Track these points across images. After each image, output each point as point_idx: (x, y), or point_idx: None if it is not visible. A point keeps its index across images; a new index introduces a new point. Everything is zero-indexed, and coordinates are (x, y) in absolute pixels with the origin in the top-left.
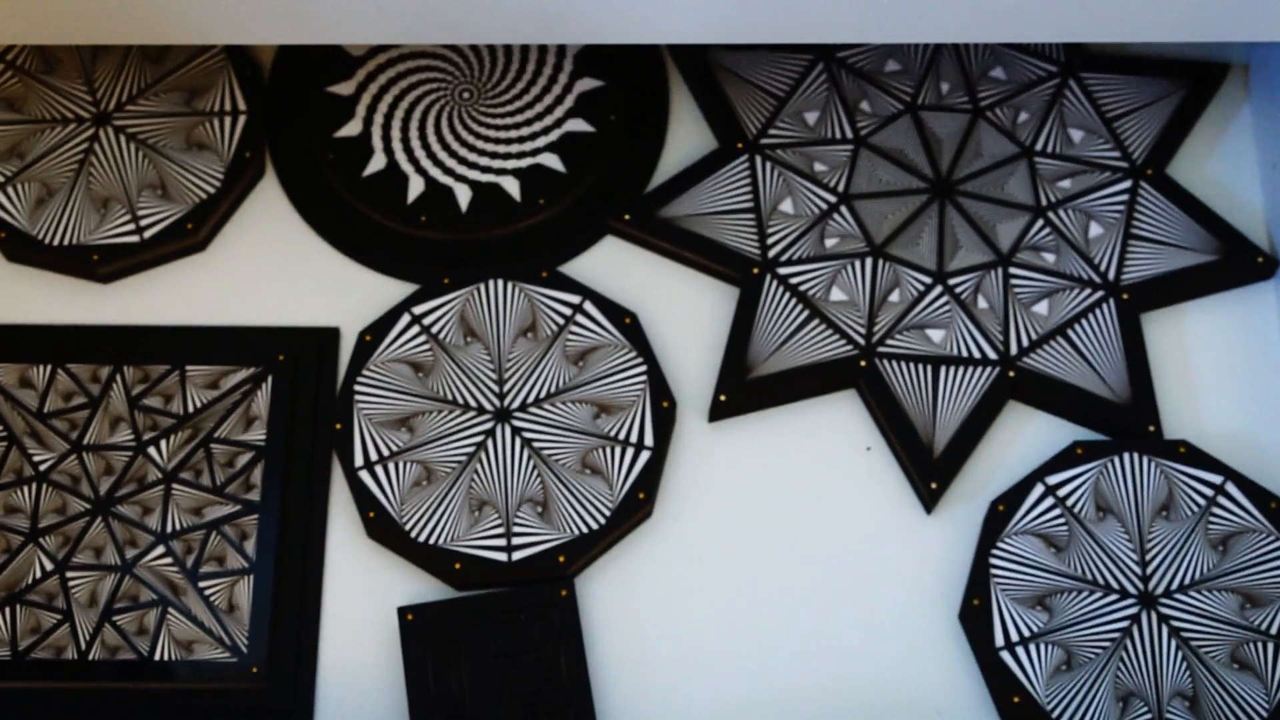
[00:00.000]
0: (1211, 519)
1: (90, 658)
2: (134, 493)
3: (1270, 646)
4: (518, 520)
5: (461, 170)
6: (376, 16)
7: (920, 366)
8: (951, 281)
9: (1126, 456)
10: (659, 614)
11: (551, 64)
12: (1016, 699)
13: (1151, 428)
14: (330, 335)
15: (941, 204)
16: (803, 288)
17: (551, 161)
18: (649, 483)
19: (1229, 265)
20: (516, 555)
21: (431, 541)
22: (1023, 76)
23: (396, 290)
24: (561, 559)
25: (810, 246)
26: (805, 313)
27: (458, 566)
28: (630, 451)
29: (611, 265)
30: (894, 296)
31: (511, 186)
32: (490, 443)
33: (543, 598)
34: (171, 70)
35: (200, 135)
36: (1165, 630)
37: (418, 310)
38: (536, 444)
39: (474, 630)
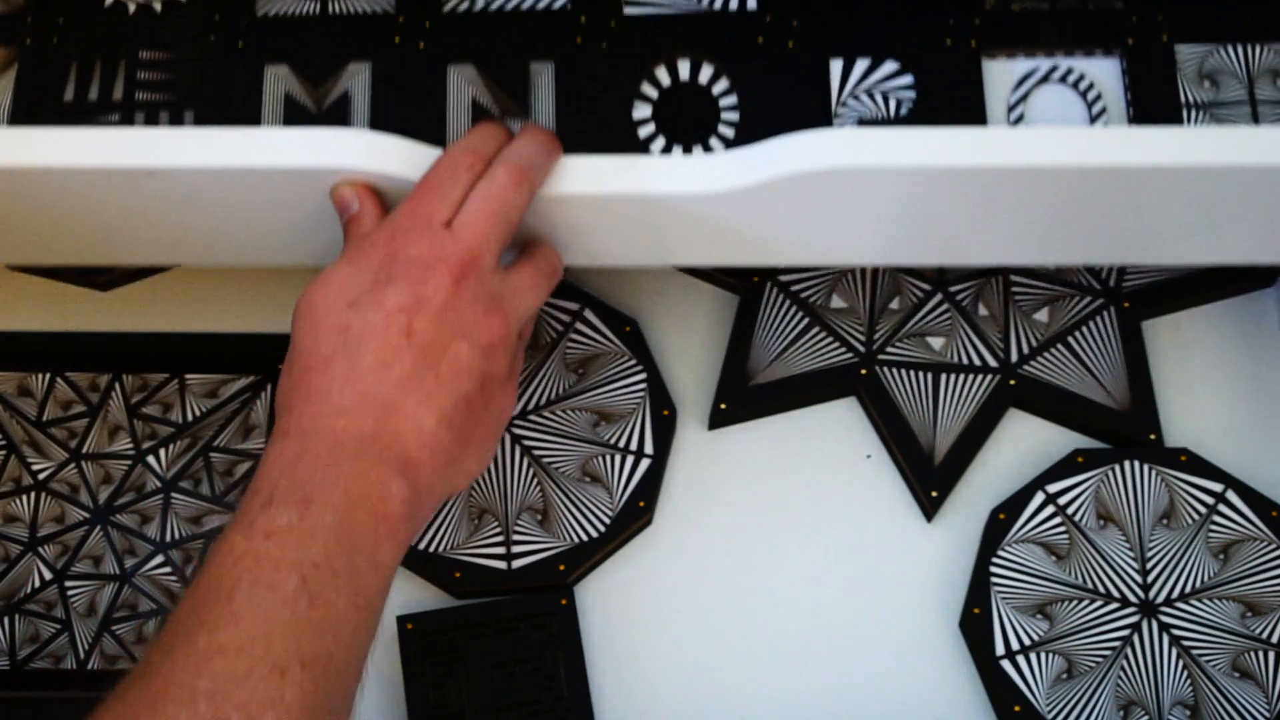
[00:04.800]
0: (1212, 527)
1: (89, 667)
2: (133, 502)
3: (1271, 655)
4: (518, 528)
5: None
6: None
7: (920, 374)
8: (952, 289)
9: (1127, 464)
10: (659, 622)
11: None
12: (1017, 708)
13: (1152, 436)
14: None
15: None
16: (803, 295)
17: None
18: (649, 491)
19: (1229, 273)
20: (516, 564)
21: (431, 550)
22: None
23: None
24: (561, 567)
25: None
26: (805, 320)
27: (458, 575)
28: (630, 459)
29: (611, 272)
30: (894, 304)
31: None
32: None
33: (542, 606)
34: None
35: None
36: (1166, 639)
37: None
38: (536, 451)
39: (474, 639)
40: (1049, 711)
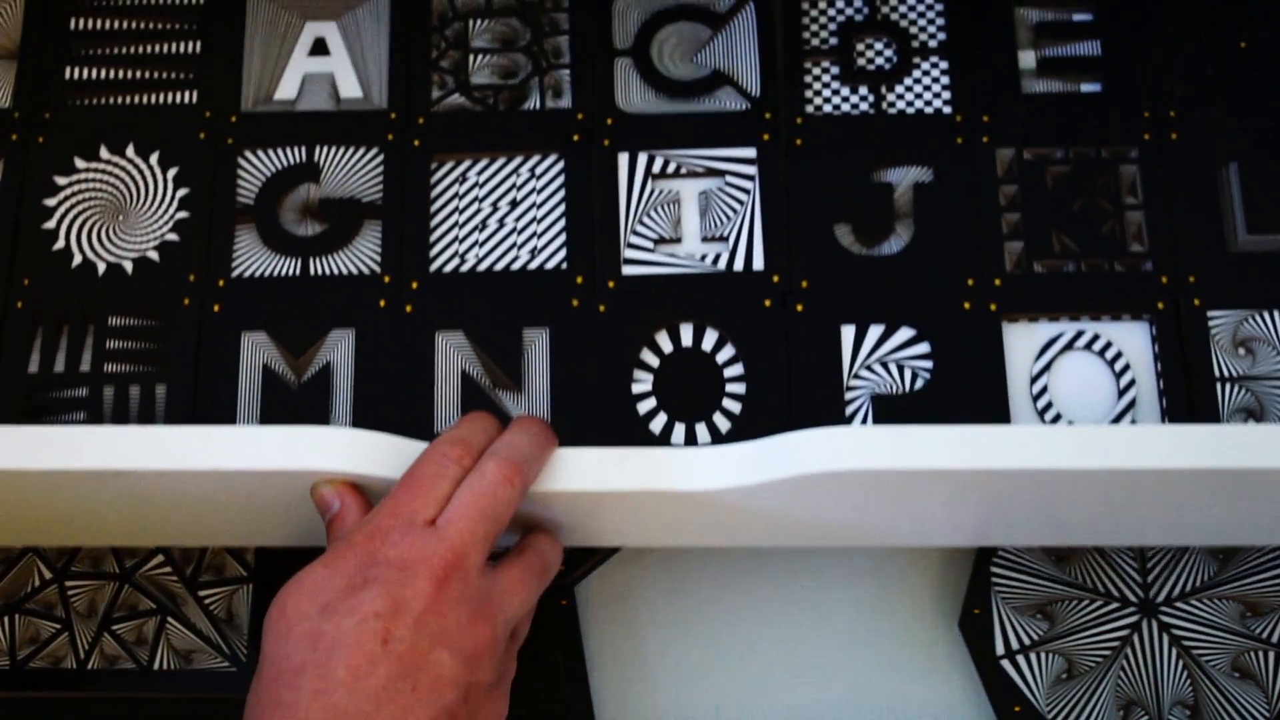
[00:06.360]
0: None
1: (89, 667)
2: None
3: (1271, 655)
4: None
5: None
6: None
7: None
8: None
9: None
10: (659, 623)
11: None
12: (1017, 708)
13: None
14: None
15: None
16: None
17: None
18: None
19: None
20: None
21: None
22: None
23: None
24: (561, 568)
25: None
26: None
27: None
28: None
29: None
30: None
31: None
32: None
33: (543, 606)
34: None
35: None
36: (1166, 639)
37: None
38: None
39: None
40: (1049, 711)
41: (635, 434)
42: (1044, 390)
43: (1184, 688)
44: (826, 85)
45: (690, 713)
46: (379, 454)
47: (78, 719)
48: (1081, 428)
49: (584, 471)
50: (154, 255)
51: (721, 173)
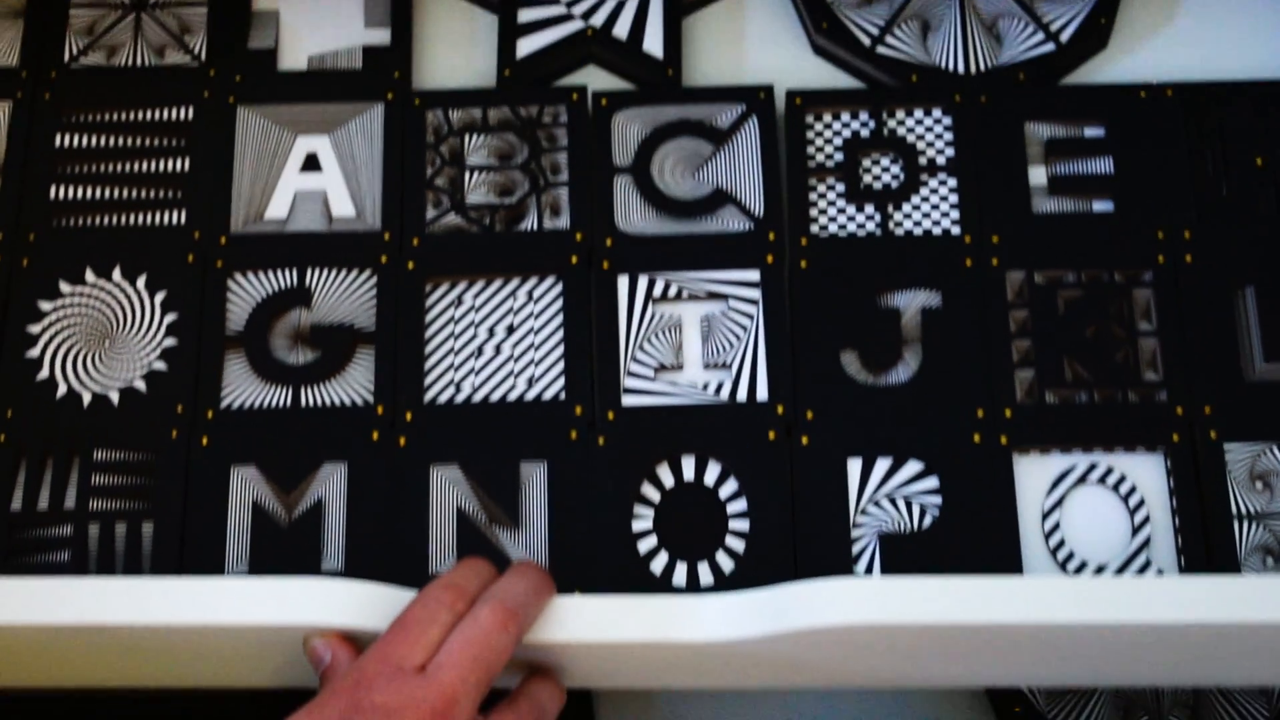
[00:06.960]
0: None
1: None
2: None
3: None
4: None
5: None
6: None
7: None
8: None
9: None
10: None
11: None
12: (1017, 708)
13: None
14: None
15: None
16: None
17: None
18: None
19: None
20: None
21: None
22: None
23: None
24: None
25: None
26: None
27: None
28: None
29: None
30: None
31: None
32: None
33: None
34: None
35: None
36: None
37: None
38: None
39: None
40: (1049, 711)
41: (636, 574)
42: (1056, 527)
43: (1184, 688)
44: (832, 204)
45: (689, 714)
46: (372, 606)
47: (77, 717)
48: (1092, 580)
49: (584, 622)
50: (141, 385)
51: (724, 296)
